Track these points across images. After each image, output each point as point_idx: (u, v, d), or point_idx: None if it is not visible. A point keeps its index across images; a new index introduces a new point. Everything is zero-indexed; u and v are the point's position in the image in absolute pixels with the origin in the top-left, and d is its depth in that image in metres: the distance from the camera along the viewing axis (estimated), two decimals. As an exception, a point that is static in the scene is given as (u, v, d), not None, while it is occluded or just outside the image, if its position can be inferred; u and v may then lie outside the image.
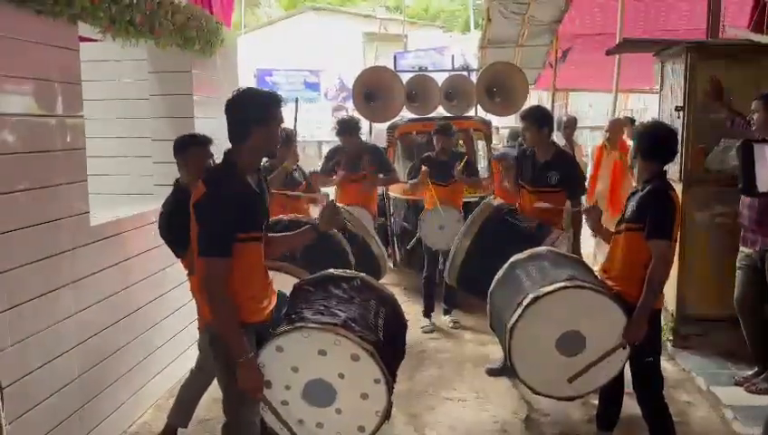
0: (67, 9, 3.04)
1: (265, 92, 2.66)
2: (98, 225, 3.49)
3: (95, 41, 3.72)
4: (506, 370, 4.43)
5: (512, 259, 3.57)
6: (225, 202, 2.50)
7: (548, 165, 4.44)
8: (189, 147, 3.46)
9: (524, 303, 3.15)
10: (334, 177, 5.57)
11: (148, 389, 4.06)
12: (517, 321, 3.13)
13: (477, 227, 4.21)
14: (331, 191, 6.01)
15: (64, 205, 3.17)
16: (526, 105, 6.73)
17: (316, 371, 2.66)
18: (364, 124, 7.25)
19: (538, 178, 4.45)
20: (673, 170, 4.86)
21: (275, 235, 2.99)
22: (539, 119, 4.46)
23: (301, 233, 3.01)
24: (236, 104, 2.61)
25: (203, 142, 3.50)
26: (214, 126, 4.90)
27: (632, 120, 9.09)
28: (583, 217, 3.91)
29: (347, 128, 5.56)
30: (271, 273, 2.88)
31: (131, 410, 3.86)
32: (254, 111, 2.59)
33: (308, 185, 5.03)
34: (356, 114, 7.13)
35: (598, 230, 3.67)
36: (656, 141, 3.23)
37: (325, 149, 5.90)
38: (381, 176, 5.70)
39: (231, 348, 2.55)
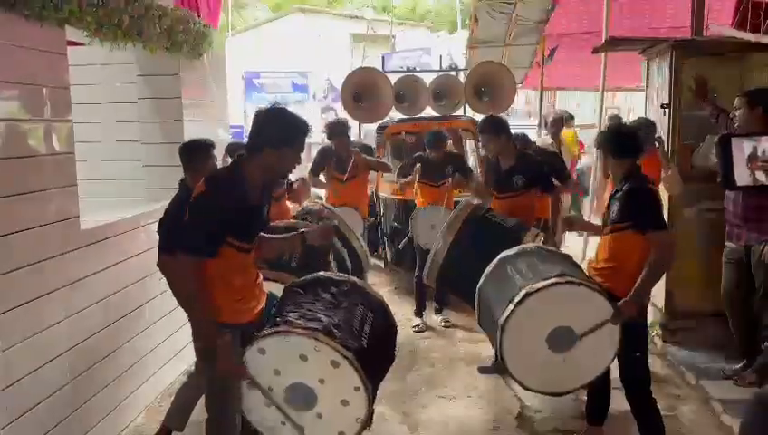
0: (55, 13, 3.04)
1: (295, 119, 2.63)
2: (88, 229, 3.48)
3: (83, 44, 3.71)
4: (498, 368, 4.47)
5: (501, 255, 3.60)
6: (219, 207, 2.51)
7: (512, 170, 4.56)
8: (207, 150, 3.52)
9: (516, 299, 3.17)
10: (322, 176, 5.61)
11: (141, 392, 4.05)
12: (509, 317, 3.15)
13: (457, 227, 4.23)
14: (320, 192, 6.04)
15: (54, 209, 3.16)
16: (514, 105, 6.77)
17: (298, 375, 2.68)
18: (353, 125, 7.28)
19: (504, 185, 4.59)
20: (660, 167, 4.91)
21: (263, 235, 3.01)
22: (494, 128, 4.59)
23: (288, 240, 3.02)
24: (263, 118, 2.61)
25: (213, 145, 3.59)
26: (202, 128, 4.92)
27: (619, 119, 9.14)
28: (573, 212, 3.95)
29: (336, 131, 5.59)
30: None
31: (123, 414, 3.85)
32: (275, 133, 2.58)
33: (289, 190, 5.02)
34: (345, 115, 7.16)
35: (587, 229, 3.72)
36: (622, 139, 3.30)
37: (314, 151, 5.92)
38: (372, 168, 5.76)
39: (204, 336, 2.60)
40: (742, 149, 3.68)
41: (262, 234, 2.88)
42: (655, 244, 3.11)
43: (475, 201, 4.57)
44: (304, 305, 2.83)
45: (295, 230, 3.14)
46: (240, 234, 2.61)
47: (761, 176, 3.57)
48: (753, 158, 3.61)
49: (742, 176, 3.71)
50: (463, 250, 4.14)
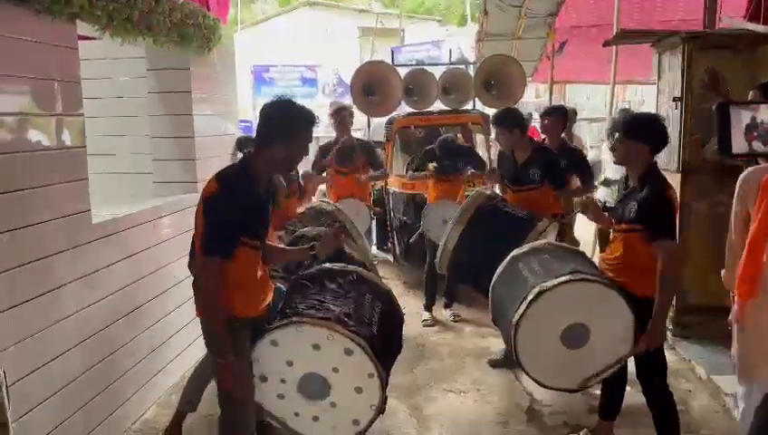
0: (66, 8, 3.04)
1: (301, 111, 2.62)
2: (99, 222, 3.50)
3: (94, 39, 3.72)
4: (508, 361, 4.47)
5: (513, 253, 3.60)
6: (234, 203, 2.51)
7: (527, 163, 4.54)
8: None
9: (529, 297, 3.17)
10: (325, 174, 5.67)
11: (152, 386, 4.07)
12: (522, 315, 3.15)
13: (470, 214, 4.25)
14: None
15: (66, 203, 3.18)
16: (524, 98, 6.74)
17: (311, 365, 2.70)
18: (363, 119, 7.27)
19: (520, 178, 4.56)
20: (671, 160, 4.88)
21: (273, 244, 3.01)
22: (508, 122, 4.56)
23: (299, 251, 3.05)
24: (269, 112, 2.61)
25: None
26: (212, 123, 4.94)
27: (629, 112, 9.07)
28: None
29: (341, 107, 5.83)
30: None
31: (135, 408, 3.88)
32: (283, 127, 2.58)
33: (300, 187, 5.04)
34: (354, 109, 7.18)
35: (599, 220, 3.69)
36: (660, 131, 3.21)
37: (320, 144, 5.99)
38: (371, 172, 5.86)
39: (216, 347, 2.58)
40: (740, 117, 3.68)
41: (275, 244, 2.89)
42: (663, 254, 3.05)
43: (488, 191, 4.57)
44: (313, 296, 2.86)
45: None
46: (253, 230, 2.62)
47: (757, 146, 3.55)
48: (750, 128, 3.59)
49: (739, 144, 3.71)
50: (474, 239, 4.16)
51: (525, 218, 4.21)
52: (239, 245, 2.56)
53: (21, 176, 2.86)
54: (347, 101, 8.07)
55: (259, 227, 2.67)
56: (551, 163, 4.57)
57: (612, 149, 3.34)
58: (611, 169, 6.54)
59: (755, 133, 3.51)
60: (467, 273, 4.32)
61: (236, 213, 2.50)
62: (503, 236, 3.85)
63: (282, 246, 3.08)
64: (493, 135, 5.39)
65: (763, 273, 2.61)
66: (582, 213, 3.76)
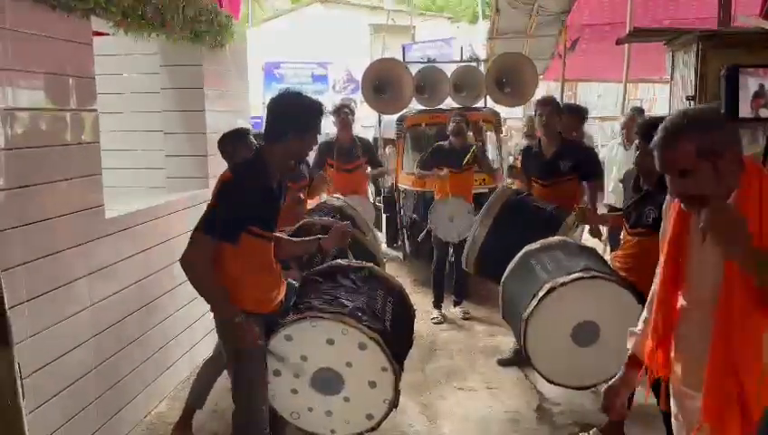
0: (80, 4, 3.07)
1: (311, 102, 2.65)
2: (112, 217, 3.52)
3: (106, 35, 3.74)
4: (518, 360, 4.46)
5: (525, 249, 3.59)
6: (245, 193, 2.54)
7: (557, 155, 4.51)
8: (246, 137, 3.65)
9: (540, 294, 3.17)
10: (328, 173, 5.73)
11: (163, 380, 4.10)
12: (533, 311, 3.16)
13: (497, 210, 4.23)
14: None
15: (79, 198, 3.20)
16: (536, 96, 6.72)
17: (324, 359, 2.70)
18: (373, 115, 7.28)
19: (549, 171, 4.53)
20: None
21: (281, 236, 3.02)
22: (557, 108, 4.61)
23: (306, 242, 3.05)
24: (280, 106, 2.63)
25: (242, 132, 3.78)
26: (224, 119, 4.95)
27: (641, 111, 9.02)
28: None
29: (342, 105, 6.02)
30: None
31: (146, 401, 3.91)
32: (295, 119, 2.60)
33: (311, 182, 5.04)
34: (364, 106, 7.22)
35: (604, 223, 3.68)
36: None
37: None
38: (370, 169, 6.10)
39: (219, 312, 2.63)
40: (748, 84, 3.67)
41: (279, 235, 2.90)
42: None
43: (514, 186, 4.56)
44: (326, 291, 2.86)
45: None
46: (264, 222, 2.63)
47: (764, 112, 3.54)
48: (758, 95, 3.57)
49: (745, 109, 3.70)
50: (501, 234, 4.14)
51: (554, 213, 4.19)
52: (250, 235, 2.57)
53: (35, 171, 2.89)
54: (358, 98, 8.08)
55: (270, 220, 2.69)
56: (582, 153, 4.58)
57: (636, 163, 3.28)
58: (617, 168, 6.52)
59: (762, 100, 3.51)
60: (495, 269, 4.29)
61: (247, 201, 2.53)
62: (531, 231, 3.82)
63: (287, 237, 3.06)
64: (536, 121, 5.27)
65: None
66: (582, 222, 3.75)
